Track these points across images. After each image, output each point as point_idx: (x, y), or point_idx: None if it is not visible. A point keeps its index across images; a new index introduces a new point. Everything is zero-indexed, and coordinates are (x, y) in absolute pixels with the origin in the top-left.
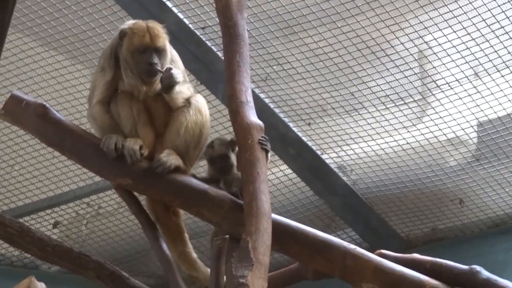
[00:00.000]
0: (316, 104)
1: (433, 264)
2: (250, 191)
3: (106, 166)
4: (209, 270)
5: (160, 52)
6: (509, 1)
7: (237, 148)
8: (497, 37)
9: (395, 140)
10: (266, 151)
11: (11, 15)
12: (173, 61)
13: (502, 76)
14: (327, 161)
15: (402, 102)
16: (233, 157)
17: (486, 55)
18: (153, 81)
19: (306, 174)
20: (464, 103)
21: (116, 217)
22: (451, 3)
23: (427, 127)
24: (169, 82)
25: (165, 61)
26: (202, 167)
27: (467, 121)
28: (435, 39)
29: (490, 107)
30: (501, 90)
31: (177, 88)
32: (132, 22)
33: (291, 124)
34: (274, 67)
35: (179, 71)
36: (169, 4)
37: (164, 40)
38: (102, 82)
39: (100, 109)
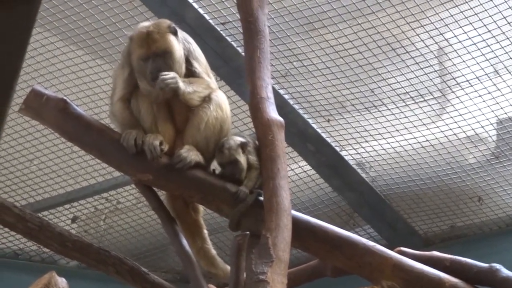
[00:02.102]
0: (335, 101)
1: (452, 262)
2: (270, 187)
3: (126, 161)
4: (227, 266)
5: (162, 55)
6: None
7: (248, 148)
8: None
9: (414, 137)
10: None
11: (37, 12)
12: (194, 57)
13: None
14: (346, 157)
15: (422, 99)
16: (243, 159)
17: (506, 52)
18: (163, 90)
19: (325, 170)
20: (483, 101)
21: (135, 212)
22: (471, 0)
23: (446, 124)
24: (168, 89)
25: (171, 61)
26: None
27: (486, 119)
28: (455, 36)
29: (510, 104)
30: None
31: (189, 88)
32: (138, 27)
33: (310, 121)
34: (294, 63)
35: (173, 75)
36: None
37: (164, 43)
38: (122, 79)
39: (121, 106)
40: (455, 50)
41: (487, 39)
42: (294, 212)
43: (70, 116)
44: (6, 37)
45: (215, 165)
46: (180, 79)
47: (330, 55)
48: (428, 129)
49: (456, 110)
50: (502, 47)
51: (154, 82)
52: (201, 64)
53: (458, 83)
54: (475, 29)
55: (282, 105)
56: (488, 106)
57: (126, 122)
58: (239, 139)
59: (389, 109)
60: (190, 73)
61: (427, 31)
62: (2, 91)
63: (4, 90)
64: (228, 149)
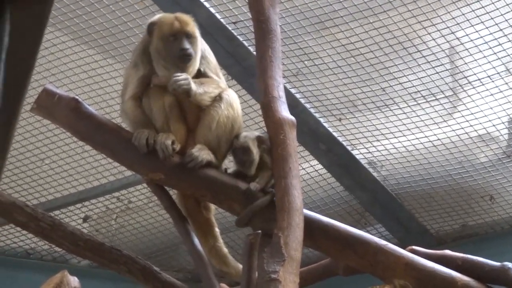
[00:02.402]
0: (347, 100)
1: (464, 261)
2: (282, 186)
3: (138, 161)
4: (239, 265)
5: (190, 38)
6: None
7: (264, 145)
8: None
9: (425, 136)
10: None
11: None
12: (203, 57)
13: None
14: (358, 156)
15: (433, 98)
16: (256, 153)
17: None
18: (188, 67)
19: (337, 169)
20: (495, 99)
21: (146, 212)
22: None
23: (458, 123)
24: (182, 89)
25: (196, 48)
26: (233, 162)
27: (498, 117)
28: (467, 35)
29: None
30: None
31: (200, 89)
32: (159, 16)
33: (322, 120)
34: (306, 62)
35: (185, 76)
36: None
37: (193, 27)
38: (135, 78)
39: (133, 104)
40: (467, 49)
41: (499, 38)
42: (306, 211)
43: (82, 115)
44: (19, 37)
45: (226, 164)
46: (192, 80)
47: (341, 54)
48: (439, 128)
49: (468, 109)
50: None
51: (181, 61)
52: (211, 63)
53: (469, 82)
54: (486, 28)
55: (293, 104)
56: (500, 105)
57: (137, 120)
58: (257, 133)
59: (400, 108)
60: (199, 73)
61: (438, 30)
62: (15, 90)
63: (17, 89)
64: (244, 137)
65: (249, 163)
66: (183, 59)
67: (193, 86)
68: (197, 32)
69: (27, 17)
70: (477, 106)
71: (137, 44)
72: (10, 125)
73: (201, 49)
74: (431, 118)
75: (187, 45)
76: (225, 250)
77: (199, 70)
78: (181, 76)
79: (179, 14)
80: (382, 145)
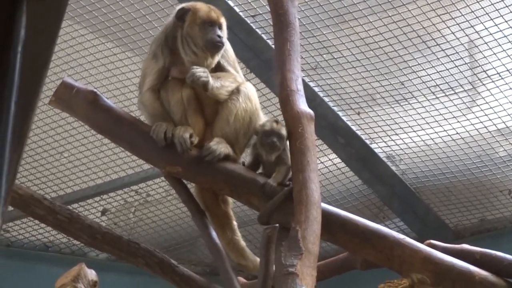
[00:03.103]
0: (365, 93)
1: (482, 255)
2: (300, 180)
3: (156, 154)
4: (257, 258)
5: (222, 30)
6: None
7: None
8: None
9: (444, 130)
10: None
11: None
12: (224, 49)
13: None
14: (376, 150)
15: (452, 92)
16: (285, 143)
17: None
18: (217, 55)
19: (355, 163)
20: None
21: (164, 205)
22: None
23: (477, 117)
24: (198, 83)
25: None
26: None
27: None
28: (486, 28)
29: None
30: None
31: (217, 83)
32: (190, 3)
33: (340, 113)
34: (324, 55)
35: (204, 69)
36: None
37: (224, 19)
38: (154, 70)
39: (151, 96)
40: (486, 43)
41: None
42: (323, 205)
43: (100, 109)
44: (37, 28)
45: (244, 158)
46: (210, 74)
47: (360, 47)
48: (458, 122)
49: (487, 103)
50: None
51: (213, 47)
52: (230, 57)
53: (488, 76)
54: (506, 21)
55: (312, 98)
56: None
57: (156, 113)
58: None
59: (419, 102)
60: (218, 65)
61: (457, 24)
62: (32, 82)
63: (34, 82)
64: (283, 124)
65: (277, 149)
66: (216, 47)
67: (211, 79)
68: (225, 26)
69: (44, 8)
70: (496, 100)
71: (158, 34)
72: (27, 118)
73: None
74: (450, 112)
75: (221, 34)
76: (243, 243)
77: (218, 63)
78: (200, 69)
79: (211, 6)
80: (401, 139)
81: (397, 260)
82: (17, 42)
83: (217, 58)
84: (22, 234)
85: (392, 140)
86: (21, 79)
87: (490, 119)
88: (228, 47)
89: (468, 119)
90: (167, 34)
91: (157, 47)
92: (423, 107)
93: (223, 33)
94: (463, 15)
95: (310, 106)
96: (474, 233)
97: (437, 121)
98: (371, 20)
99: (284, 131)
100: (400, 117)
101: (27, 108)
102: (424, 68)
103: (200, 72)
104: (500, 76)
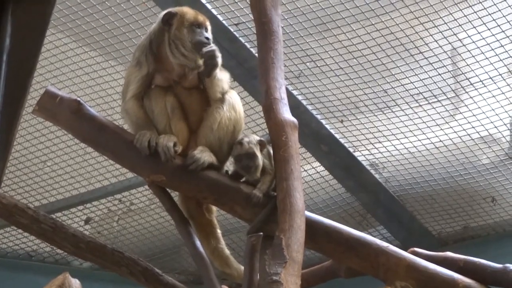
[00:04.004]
0: (348, 101)
1: (466, 262)
2: (283, 188)
3: (140, 163)
4: (241, 267)
5: (208, 33)
6: None
7: (265, 149)
8: None
9: (427, 138)
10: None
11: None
12: None
13: None
14: (359, 158)
15: (435, 100)
16: (260, 158)
17: None
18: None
19: (338, 171)
20: (497, 101)
21: (148, 214)
22: (485, 0)
23: (459, 124)
24: (212, 62)
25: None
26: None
27: (500, 119)
28: (468, 36)
29: None
30: None
31: (220, 75)
32: (176, 8)
33: (323, 121)
34: (308, 64)
35: (219, 52)
36: (202, 0)
37: (209, 23)
38: (138, 77)
39: (134, 104)
40: (469, 50)
41: (501, 39)
42: (307, 213)
43: (84, 117)
44: (21, 38)
45: (228, 167)
46: None
47: (343, 55)
48: (441, 129)
49: (470, 110)
50: None
51: (198, 51)
52: None
53: (471, 83)
54: (488, 29)
55: (295, 106)
56: (502, 106)
57: (140, 121)
58: (257, 136)
59: (402, 110)
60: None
61: (440, 31)
62: (16, 92)
63: (18, 91)
64: (248, 142)
65: (254, 169)
66: (198, 50)
67: (219, 67)
68: (210, 31)
69: (28, 17)
70: (479, 107)
71: (141, 41)
72: (12, 127)
73: None
74: (433, 120)
75: (207, 38)
76: (227, 251)
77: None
78: (215, 48)
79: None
80: (384, 146)
81: (382, 268)
82: (1, 50)
83: (212, 62)
84: (5, 243)
85: (376, 148)
86: (6, 88)
87: (473, 127)
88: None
89: (451, 127)
90: (152, 40)
91: (141, 54)
92: (406, 115)
93: (210, 35)
94: (446, 23)
95: (293, 115)
96: (457, 240)
97: (420, 129)
98: (354, 28)
99: (252, 148)
100: (383, 125)
101: (12, 117)
102: (407, 76)
103: (217, 51)
104: (483, 84)
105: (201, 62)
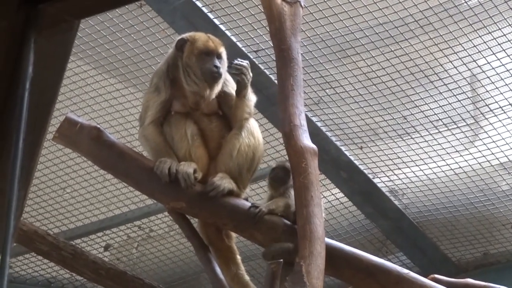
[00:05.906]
0: (368, 128)
1: None
2: (303, 214)
3: (160, 190)
4: None
5: (220, 59)
6: None
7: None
8: None
9: (447, 164)
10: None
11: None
12: (228, 79)
13: None
14: (379, 185)
15: (455, 126)
16: (290, 179)
17: None
18: (216, 85)
19: (358, 198)
20: None
21: (167, 240)
22: (504, 27)
23: (479, 151)
24: (241, 77)
25: (224, 69)
26: (254, 191)
27: None
28: (488, 62)
29: None
30: None
31: (252, 96)
32: (190, 33)
33: (343, 148)
34: (327, 90)
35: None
36: (222, 27)
37: (224, 50)
38: (156, 102)
39: (154, 130)
40: (488, 77)
41: None
42: (327, 240)
43: (104, 144)
44: (44, 66)
45: (248, 193)
46: None
47: (362, 82)
48: (461, 155)
49: (489, 136)
50: None
51: (211, 78)
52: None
53: (491, 110)
54: (508, 55)
55: (315, 133)
56: None
57: (160, 148)
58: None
59: (422, 136)
60: (224, 94)
61: (460, 58)
62: (38, 119)
63: (41, 119)
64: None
65: (282, 182)
66: (213, 77)
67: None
68: (225, 56)
69: (51, 46)
70: (499, 134)
71: (159, 66)
72: (34, 155)
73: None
74: (453, 146)
75: (218, 64)
76: (247, 278)
77: (224, 92)
78: (245, 65)
79: (211, 35)
80: (404, 173)
81: None
82: (25, 79)
83: (217, 88)
84: (25, 270)
85: (395, 174)
86: (29, 116)
87: (492, 153)
88: (228, 77)
89: (470, 153)
90: (169, 65)
91: (159, 79)
92: (425, 141)
93: (222, 63)
94: (465, 50)
95: (313, 141)
96: (477, 267)
97: (439, 155)
98: (373, 55)
99: (289, 167)
100: (403, 151)
101: (34, 145)
102: (427, 103)
103: (248, 72)
104: (502, 110)
105: (210, 91)
